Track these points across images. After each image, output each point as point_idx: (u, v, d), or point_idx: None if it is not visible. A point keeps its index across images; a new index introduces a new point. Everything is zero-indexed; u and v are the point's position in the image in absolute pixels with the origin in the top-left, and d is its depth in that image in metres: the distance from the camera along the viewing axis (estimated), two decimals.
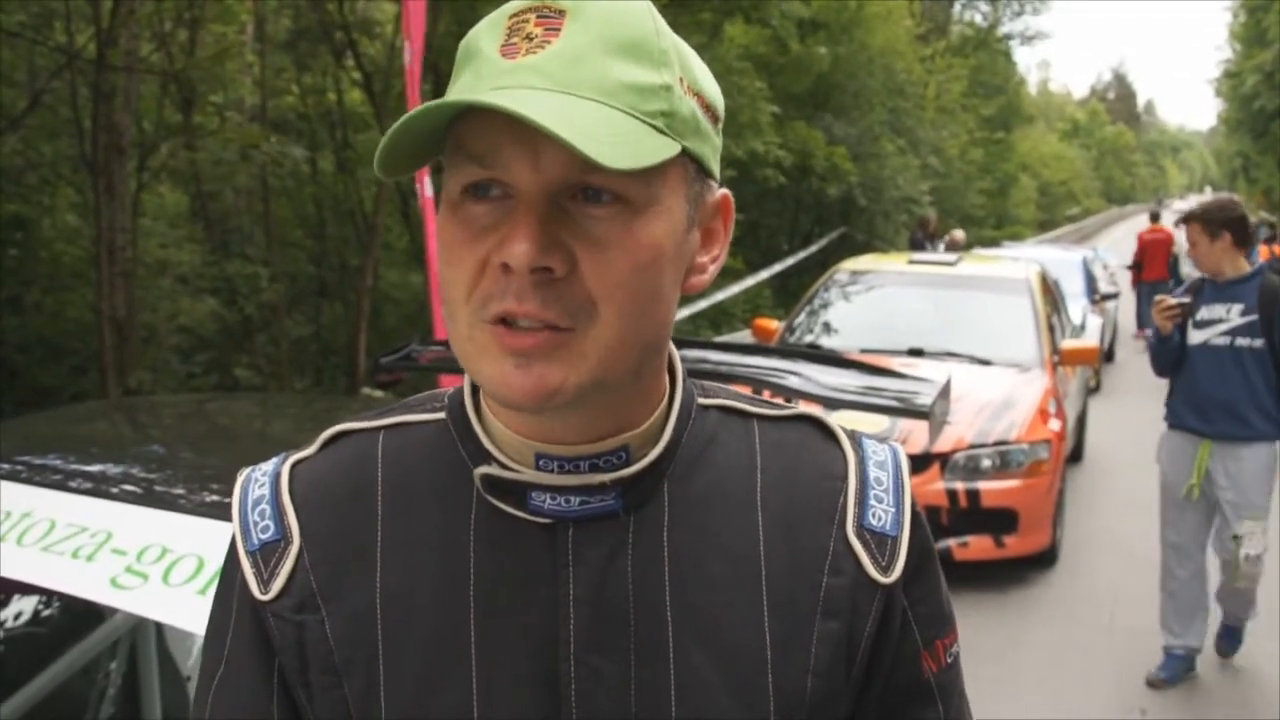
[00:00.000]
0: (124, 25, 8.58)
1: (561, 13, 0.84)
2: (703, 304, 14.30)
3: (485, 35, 0.87)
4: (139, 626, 2.56)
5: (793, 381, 3.06)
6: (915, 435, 6.05)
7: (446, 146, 0.87)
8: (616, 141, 0.80)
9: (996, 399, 6.73)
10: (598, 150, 0.77)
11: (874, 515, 0.98)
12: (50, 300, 9.38)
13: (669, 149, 0.84)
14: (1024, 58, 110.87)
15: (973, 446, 6.34)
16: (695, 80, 0.90)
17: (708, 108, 0.91)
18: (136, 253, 9.18)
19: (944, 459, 6.29)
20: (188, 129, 10.67)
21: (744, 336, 11.56)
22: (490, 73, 0.84)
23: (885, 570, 0.97)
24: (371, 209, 11.45)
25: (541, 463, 0.92)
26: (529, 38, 0.84)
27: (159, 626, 2.58)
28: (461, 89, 0.85)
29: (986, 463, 6.35)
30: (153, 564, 1.62)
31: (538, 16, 0.85)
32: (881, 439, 1.05)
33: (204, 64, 10.53)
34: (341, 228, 13.14)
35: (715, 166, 0.93)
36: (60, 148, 9.48)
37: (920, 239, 16.67)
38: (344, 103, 12.98)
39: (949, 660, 1.04)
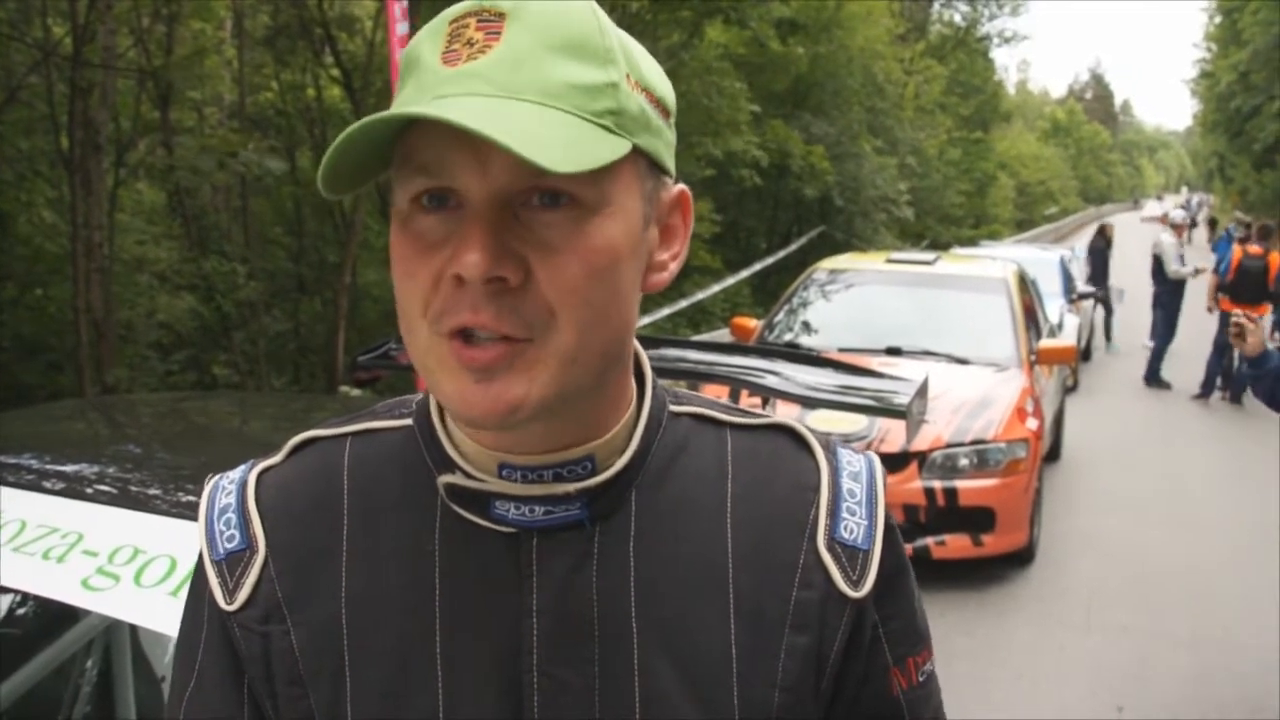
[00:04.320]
0: (100, 21, 8.53)
1: (501, 15, 0.82)
2: (682, 303, 14.31)
3: (426, 43, 0.85)
4: (113, 626, 2.55)
5: (771, 381, 3.06)
6: (893, 434, 6.08)
7: (394, 160, 0.84)
8: (563, 144, 0.78)
9: (974, 398, 6.75)
10: (544, 155, 0.76)
11: (846, 528, 0.96)
12: (27, 296, 9.33)
13: (619, 148, 0.82)
14: (1003, 57, 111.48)
15: (950, 445, 6.36)
16: (642, 76, 0.88)
17: (657, 102, 0.89)
18: (113, 249, 9.15)
19: (922, 458, 6.30)
20: (165, 126, 10.61)
21: (723, 335, 11.57)
22: (432, 82, 0.82)
23: (856, 584, 0.95)
24: (350, 206, 11.42)
25: (505, 472, 0.90)
26: (470, 43, 0.82)
27: (133, 626, 2.56)
28: (404, 100, 0.83)
29: (964, 461, 6.37)
30: (124, 565, 1.60)
31: (478, 21, 0.83)
32: (858, 449, 1.03)
33: (181, 64, 10.47)
34: (320, 225, 13.09)
35: (670, 162, 0.91)
36: (37, 143, 9.42)
37: (1102, 247, 16.56)
38: (323, 99, 12.93)
39: (921, 678, 1.01)
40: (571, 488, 0.90)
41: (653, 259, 0.91)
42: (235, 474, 1.00)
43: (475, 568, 0.91)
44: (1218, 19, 46.48)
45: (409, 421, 0.98)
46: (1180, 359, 13.96)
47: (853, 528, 0.96)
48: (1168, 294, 13.78)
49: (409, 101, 0.82)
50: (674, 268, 0.94)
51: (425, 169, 0.82)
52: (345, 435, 0.99)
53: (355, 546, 0.93)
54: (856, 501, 0.98)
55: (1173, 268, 13.64)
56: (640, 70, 0.88)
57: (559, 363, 0.83)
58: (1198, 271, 13.61)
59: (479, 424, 0.84)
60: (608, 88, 0.83)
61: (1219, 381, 12.70)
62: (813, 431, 1.02)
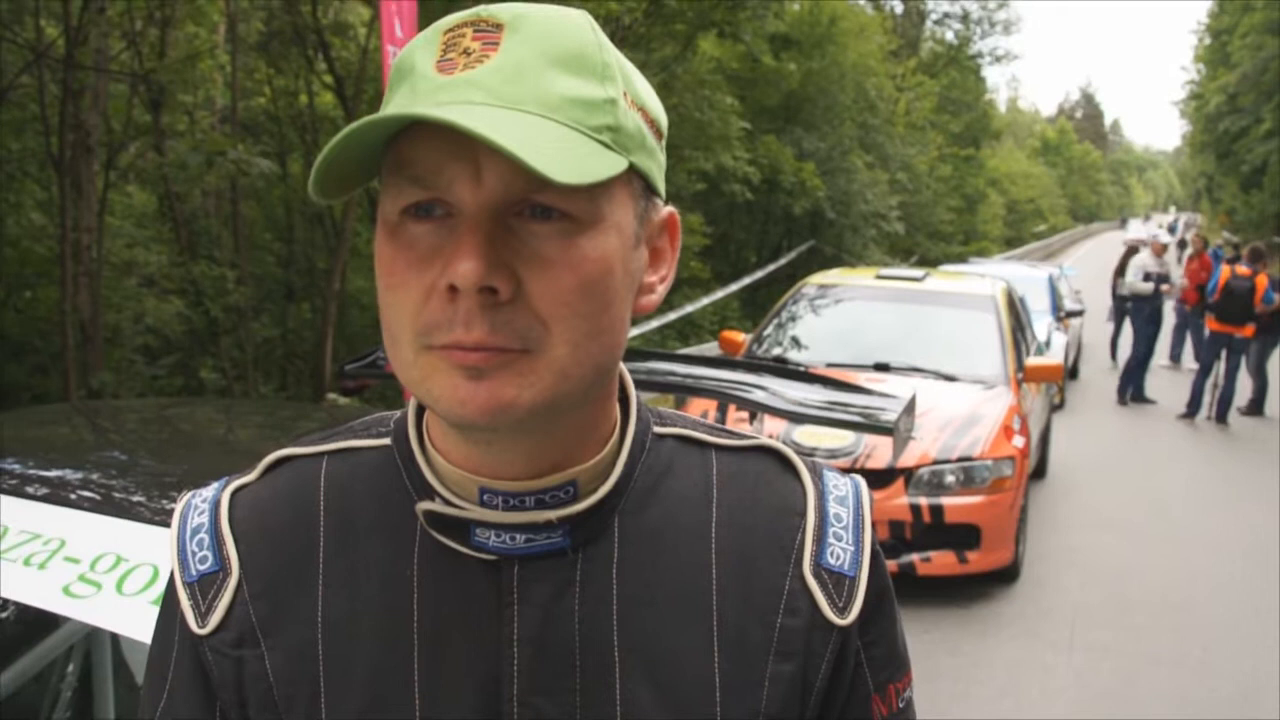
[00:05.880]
0: (94, 23, 8.51)
1: (499, 26, 0.81)
2: (671, 315, 14.32)
3: (420, 51, 0.83)
4: (94, 633, 2.53)
5: (758, 395, 3.06)
6: (879, 450, 6.08)
7: (383, 167, 0.83)
8: (563, 156, 0.76)
9: (961, 415, 6.76)
10: (545, 164, 0.74)
11: (832, 554, 0.94)
12: (15, 298, 9.28)
13: (617, 164, 0.81)
14: (994, 76, 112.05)
15: (937, 462, 6.36)
16: (638, 95, 0.86)
17: (651, 123, 0.88)
18: (102, 252, 9.10)
19: (908, 474, 6.31)
20: (157, 129, 10.59)
21: (711, 349, 11.57)
22: (427, 89, 0.80)
23: (842, 611, 0.93)
24: (340, 213, 11.40)
25: (485, 498, 0.88)
26: (466, 52, 0.80)
27: (114, 633, 2.55)
28: (397, 106, 0.81)
29: (950, 478, 6.38)
30: (106, 573, 1.59)
31: (475, 31, 0.81)
32: (845, 471, 1.02)
33: (174, 67, 10.44)
34: (310, 231, 13.05)
35: (660, 183, 0.90)
36: (27, 144, 9.38)
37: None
38: (315, 105, 12.91)
39: (901, 705, 1.00)
40: (553, 515, 0.88)
41: (642, 281, 0.90)
42: (208, 492, 0.97)
43: (454, 595, 0.89)
44: (1207, 41, 46.83)
45: (387, 441, 0.96)
46: (1160, 376, 13.99)
47: (839, 554, 0.95)
48: (1136, 310, 13.84)
49: (402, 108, 0.80)
50: (661, 290, 0.93)
51: (418, 178, 0.80)
52: (321, 454, 0.97)
53: (331, 570, 0.91)
54: (843, 526, 0.96)
55: (1128, 279, 13.73)
56: (636, 89, 0.87)
57: (553, 375, 0.81)
58: (1161, 285, 13.67)
59: (470, 422, 0.81)
60: (606, 104, 0.82)
61: (1204, 400, 12.75)
62: (799, 453, 1.01)
